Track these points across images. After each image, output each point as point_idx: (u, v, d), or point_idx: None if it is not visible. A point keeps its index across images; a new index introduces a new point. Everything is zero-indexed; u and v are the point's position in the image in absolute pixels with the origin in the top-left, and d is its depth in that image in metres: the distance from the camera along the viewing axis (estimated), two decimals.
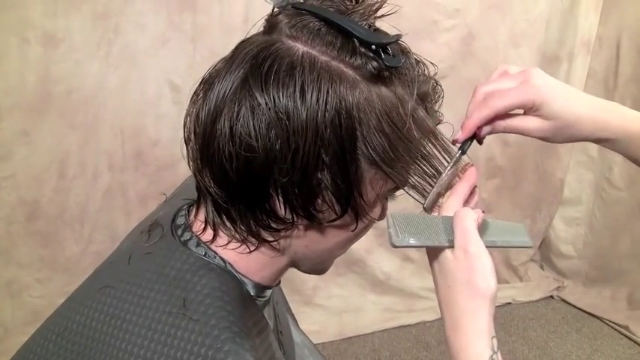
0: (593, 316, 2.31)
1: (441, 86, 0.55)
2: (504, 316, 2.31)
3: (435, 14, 2.02)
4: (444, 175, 0.58)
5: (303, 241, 0.55)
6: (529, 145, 2.32)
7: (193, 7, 1.74)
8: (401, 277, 2.31)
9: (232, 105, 0.48)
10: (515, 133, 0.63)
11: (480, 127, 0.62)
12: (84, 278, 0.61)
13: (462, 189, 0.59)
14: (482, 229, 0.59)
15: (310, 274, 0.63)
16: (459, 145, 0.62)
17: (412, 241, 0.55)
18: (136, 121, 1.79)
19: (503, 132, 0.63)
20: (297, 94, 0.46)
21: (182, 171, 0.53)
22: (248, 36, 0.53)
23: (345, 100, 0.47)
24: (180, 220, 0.59)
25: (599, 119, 0.62)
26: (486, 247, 0.55)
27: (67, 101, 1.68)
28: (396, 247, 0.54)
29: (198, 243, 0.55)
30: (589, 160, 2.40)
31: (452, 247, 0.55)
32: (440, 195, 0.60)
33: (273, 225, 0.52)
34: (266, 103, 0.46)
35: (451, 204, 0.58)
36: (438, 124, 0.56)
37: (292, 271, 0.62)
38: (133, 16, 1.69)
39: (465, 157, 0.61)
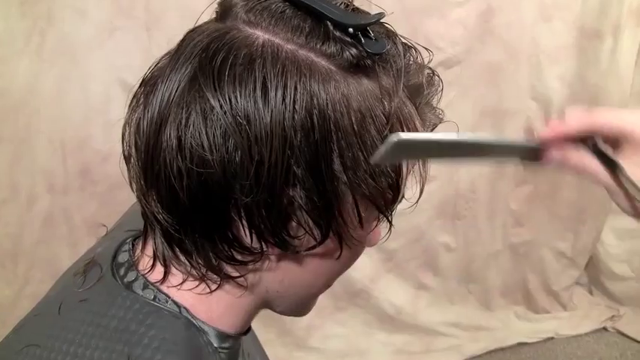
0: None
1: (439, 76, 0.55)
2: (546, 354, 2.28)
3: None
4: None
5: (277, 275, 0.55)
6: None
7: None
8: (415, 309, 2.30)
9: (179, 110, 0.47)
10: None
11: (564, 140, 0.58)
12: None
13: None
14: None
15: (288, 315, 0.62)
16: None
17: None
18: (79, 130, 1.79)
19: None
20: (259, 92, 0.46)
21: None
22: (198, 24, 0.53)
23: (317, 97, 0.47)
24: (123, 257, 0.58)
25: None
26: None
27: None
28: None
29: (146, 284, 0.55)
30: None
31: None
32: None
33: (238, 257, 0.51)
34: (221, 106, 0.46)
35: None
36: (437, 125, 0.56)
37: None
38: (69, 0, 1.69)
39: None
